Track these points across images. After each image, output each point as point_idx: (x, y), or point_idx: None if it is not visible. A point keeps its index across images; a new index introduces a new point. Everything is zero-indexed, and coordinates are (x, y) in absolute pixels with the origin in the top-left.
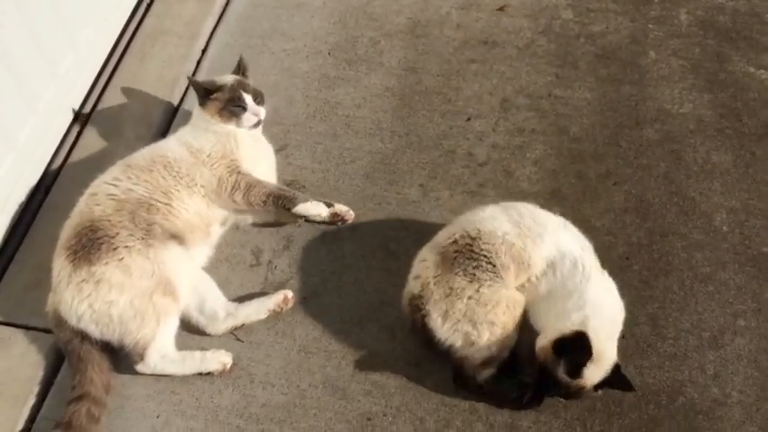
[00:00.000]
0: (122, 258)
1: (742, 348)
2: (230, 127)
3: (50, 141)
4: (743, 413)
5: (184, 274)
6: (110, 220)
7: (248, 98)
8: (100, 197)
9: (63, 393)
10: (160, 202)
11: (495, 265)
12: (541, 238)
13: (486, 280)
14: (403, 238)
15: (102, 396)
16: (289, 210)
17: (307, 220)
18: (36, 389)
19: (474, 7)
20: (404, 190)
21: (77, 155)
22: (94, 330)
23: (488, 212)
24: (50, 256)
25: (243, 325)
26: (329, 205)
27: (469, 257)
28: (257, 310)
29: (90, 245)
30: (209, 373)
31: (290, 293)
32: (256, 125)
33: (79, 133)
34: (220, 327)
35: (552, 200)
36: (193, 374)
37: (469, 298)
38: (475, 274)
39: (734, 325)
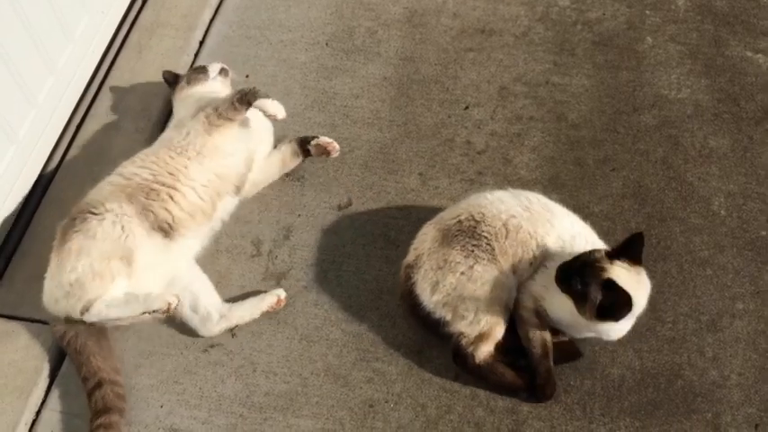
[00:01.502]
0: (90, 227)
1: (740, 331)
2: (201, 85)
3: (50, 135)
4: (742, 395)
5: (153, 262)
6: (103, 203)
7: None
8: (103, 183)
9: (68, 385)
10: (164, 186)
11: (493, 248)
12: (551, 224)
13: (482, 259)
14: (402, 226)
15: (117, 377)
16: (250, 104)
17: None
18: (41, 380)
19: None
20: (403, 179)
21: (77, 148)
22: (65, 306)
23: (496, 196)
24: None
25: (236, 326)
26: (312, 138)
27: (471, 236)
28: (251, 312)
29: (71, 224)
30: (155, 312)
31: (282, 294)
32: (222, 71)
33: (78, 126)
34: (214, 328)
35: (551, 186)
36: (141, 315)
37: (462, 273)
38: (473, 251)
39: (732, 308)
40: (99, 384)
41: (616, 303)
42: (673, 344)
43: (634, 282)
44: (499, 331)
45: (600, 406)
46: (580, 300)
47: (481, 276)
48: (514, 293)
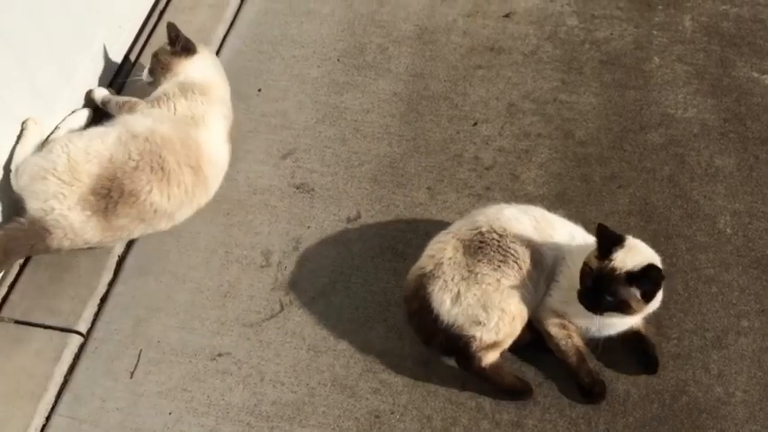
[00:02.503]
0: None
1: (745, 348)
2: None
3: None
4: (746, 412)
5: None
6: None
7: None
8: None
9: (79, 390)
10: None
11: (520, 266)
12: (552, 238)
13: (510, 275)
14: (410, 239)
15: None
16: None
17: None
18: (51, 386)
19: (480, 14)
20: (411, 193)
21: None
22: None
23: (512, 213)
24: (66, 255)
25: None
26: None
27: (497, 251)
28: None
29: None
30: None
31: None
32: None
33: None
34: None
35: (557, 202)
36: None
37: (488, 284)
38: (500, 267)
39: (737, 325)
40: None
41: (650, 281)
42: (678, 360)
43: (637, 254)
44: (510, 342)
45: (605, 421)
46: (623, 307)
47: (508, 290)
48: (534, 307)
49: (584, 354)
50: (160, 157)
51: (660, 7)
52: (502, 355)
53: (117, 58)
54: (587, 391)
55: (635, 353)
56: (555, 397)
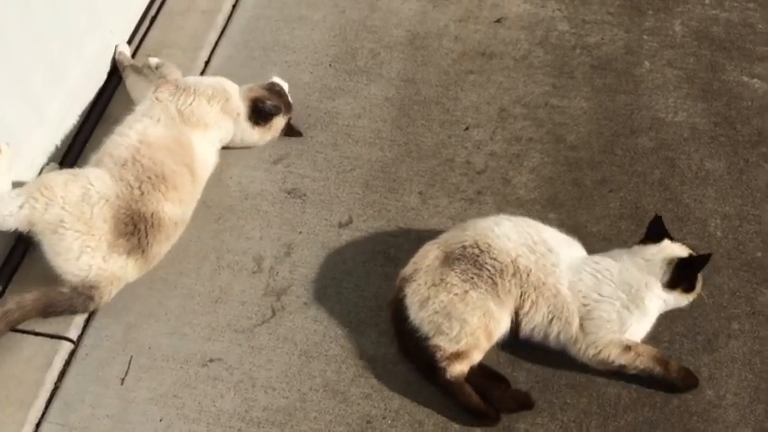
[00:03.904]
0: None
1: (736, 351)
2: None
3: (56, 153)
4: (737, 415)
5: None
6: None
7: None
8: None
9: (69, 397)
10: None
11: (496, 284)
12: (557, 267)
13: (479, 287)
14: (402, 244)
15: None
16: None
17: None
18: (42, 393)
19: (472, 20)
20: (403, 197)
21: (82, 164)
22: None
23: (502, 230)
24: None
25: None
26: None
27: (473, 264)
28: None
29: None
30: None
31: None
32: None
33: (84, 143)
34: None
35: (549, 207)
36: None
37: (455, 294)
38: (472, 278)
39: (728, 328)
40: None
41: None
42: None
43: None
44: (476, 355)
45: (596, 424)
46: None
47: (474, 302)
48: (504, 330)
49: (660, 354)
50: (155, 164)
51: (650, 12)
52: (472, 370)
53: (108, 63)
54: (683, 384)
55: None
56: (546, 401)
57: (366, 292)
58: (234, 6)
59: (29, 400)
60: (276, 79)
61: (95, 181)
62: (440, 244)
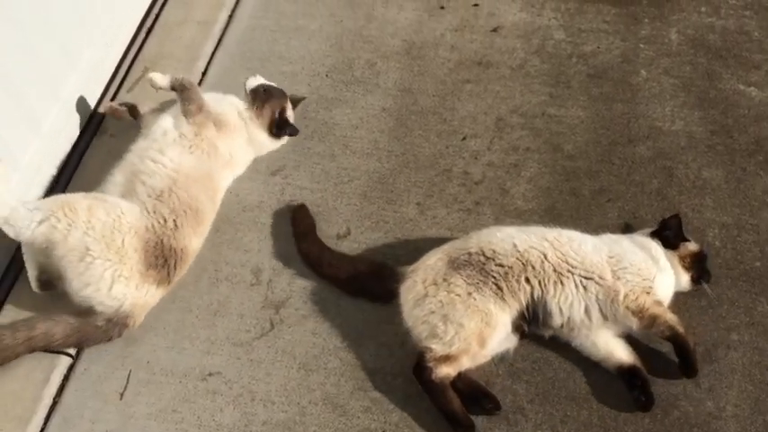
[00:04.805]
0: None
1: (736, 362)
2: None
3: (53, 163)
4: (738, 426)
5: None
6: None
7: None
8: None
9: (68, 413)
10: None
11: (501, 288)
12: (575, 241)
13: (484, 293)
14: (400, 255)
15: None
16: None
17: None
18: (40, 409)
19: (468, 29)
20: (401, 208)
21: (79, 176)
22: None
23: (506, 233)
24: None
25: None
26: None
27: (479, 271)
28: None
29: None
30: None
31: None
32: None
33: (82, 155)
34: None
35: (547, 217)
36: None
37: (457, 295)
38: (478, 284)
39: (727, 339)
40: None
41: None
42: (669, 375)
43: None
44: (466, 361)
45: None
46: None
47: (475, 306)
48: (500, 337)
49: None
50: (190, 198)
51: (646, 20)
52: (460, 375)
53: (105, 75)
54: (695, 360)
55: (632, 392)
56: (546, 413)
57: (365, 305)
58: (230, 17)
59: (27, 415)
60: (253, 81)
61: (126, 211)
62: (443, 251)
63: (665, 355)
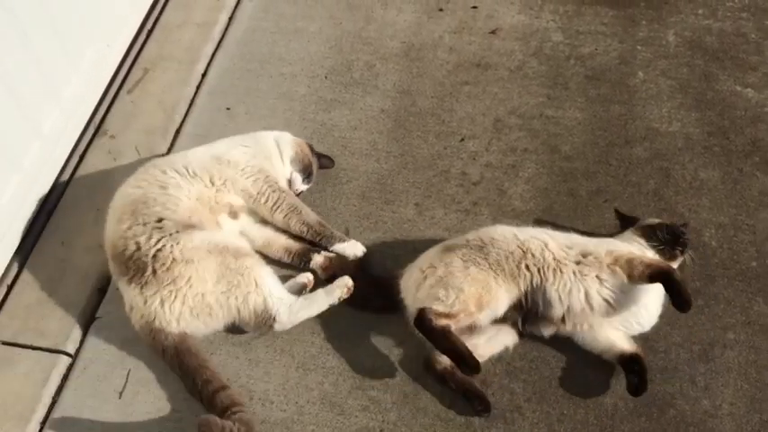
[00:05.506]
0: (173, 257)
1: (732, 361)
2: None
3: (54, 165)
4: (733, 425)
5: (234, 238)
6: (124, 236)
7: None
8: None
9: (67, 412)
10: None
11: (503, 268)
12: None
13: (482, 266)
14: (399, 255)
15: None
16: (326, 248)
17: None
18: (40, 408)
19: (466, 31)
20: (399, 209)
21: (80, 179)
22: (199, 326)
23: (505, 229)
24: (54, 276)
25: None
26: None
27: (477, 250)
28: (320, 305)
29: (134, 266)
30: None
31: (350, 283)
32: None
33: (81, 157)
34: (286, 322)
35: (545, 217)
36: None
37: (455, 267)
38: (476, 260)
39: (724, 338)
40: (224, 387)
41: None
42: (665, 373)
43: None
44: (464, 320)
45: None
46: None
47: (474, 275)
48: (500, 309)
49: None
50: None
51: (644, 23)
52: (453, 375)
53: (106, 76)
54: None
55: (629, 375)
56: (543, 412)
57: None
58: (230, 19)
59: (27, 414)
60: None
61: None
62: (439, 245)
63: (661, 355)
